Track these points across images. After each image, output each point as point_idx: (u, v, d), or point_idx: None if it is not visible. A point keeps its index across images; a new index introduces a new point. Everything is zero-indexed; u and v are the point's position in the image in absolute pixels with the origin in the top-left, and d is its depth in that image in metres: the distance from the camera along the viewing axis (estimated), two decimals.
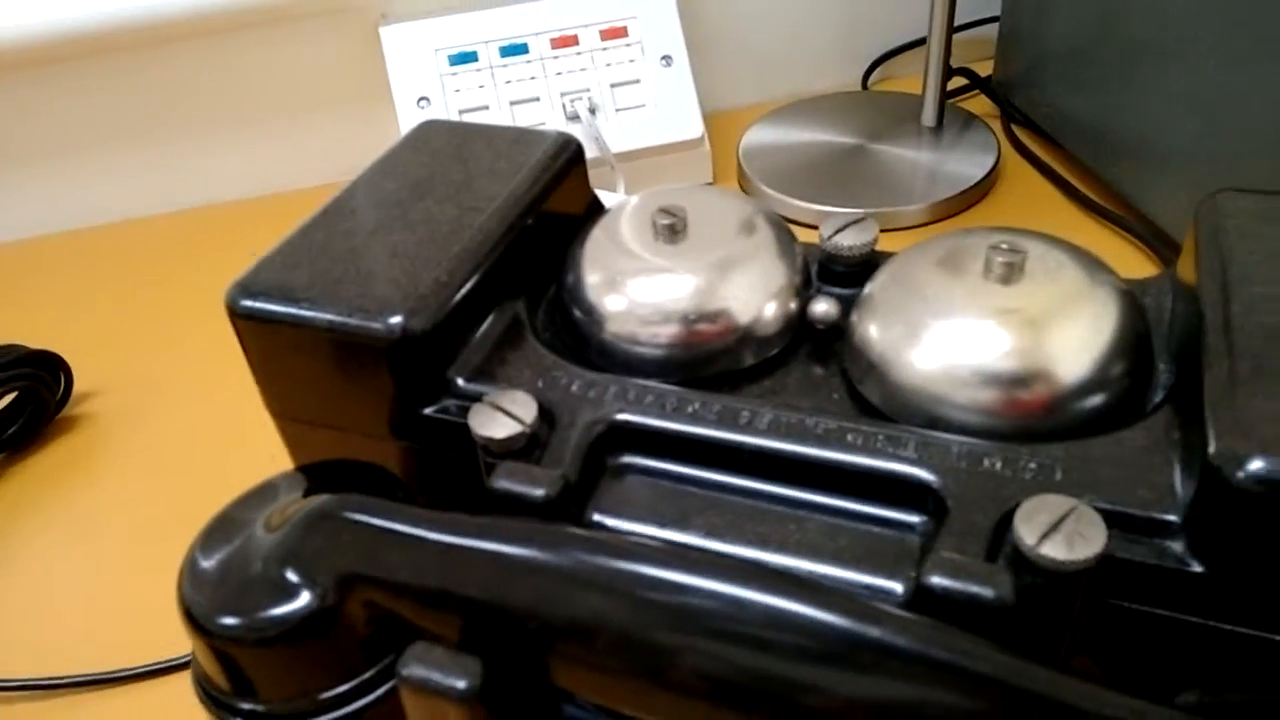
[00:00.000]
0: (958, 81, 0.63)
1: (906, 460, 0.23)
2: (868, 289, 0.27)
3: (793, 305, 0.28)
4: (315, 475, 0.26)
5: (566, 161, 0.33)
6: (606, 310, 0.28)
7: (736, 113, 0.65)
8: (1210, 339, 0.23)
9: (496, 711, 0.21)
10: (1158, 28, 0.47)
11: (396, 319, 0.26)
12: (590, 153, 0.45)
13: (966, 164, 0.56)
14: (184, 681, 0.25)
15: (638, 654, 0.20)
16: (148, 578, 0.38)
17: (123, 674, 0.35)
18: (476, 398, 0.25)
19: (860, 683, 0.18)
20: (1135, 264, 0.49)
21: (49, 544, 0.41)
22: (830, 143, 0.60)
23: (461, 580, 0.21)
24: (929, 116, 0.60)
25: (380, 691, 0.22)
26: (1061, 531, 0.20)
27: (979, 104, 0.64)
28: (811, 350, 0.28)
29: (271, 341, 0.27)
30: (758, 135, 0.62)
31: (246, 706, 0.23)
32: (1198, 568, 0.20)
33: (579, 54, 0.59)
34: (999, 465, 0.22)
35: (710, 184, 0.60)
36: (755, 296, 0.28)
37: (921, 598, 0.20)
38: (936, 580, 0.20)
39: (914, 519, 0.23)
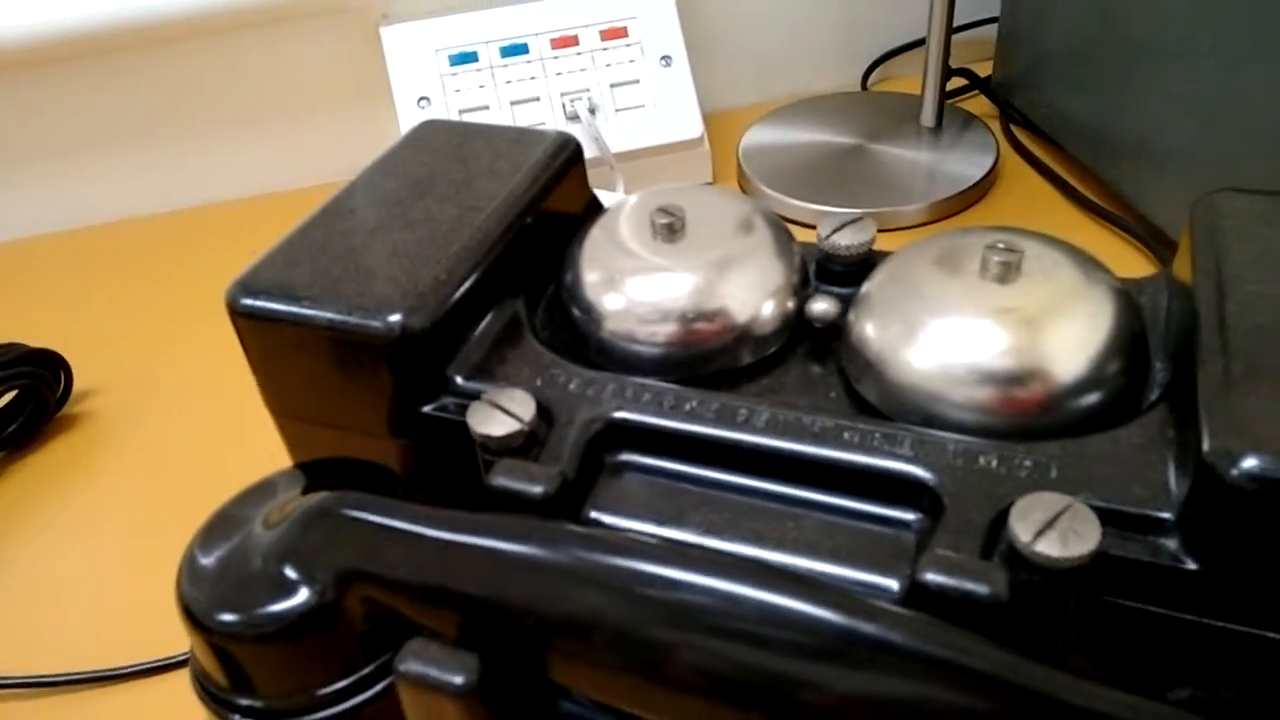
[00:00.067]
0: (957, 82, 0.63)
1: (903, 458, 0.23)
2: (865, 288, 0.27)
3: (790, 304, 0.28)
4: (314, 473, 0.26)
5: (566, 161, 0.33)
6: (605, 309, 0.28)
7: (736, 113, 0.65)
8: (1205, 338, 0.23)
9: (494, 707, 0.21)
10: (1156, 28, 0.47)
11: (396, 317, 0.26)
12: (590, 153, 0.45)
13: (965, 164, 0.57)
14: (183, 679, 0.25)
15: (634, 650, 0.20)
16: (147, 575, 0.38)
17: (122, 671, 0.35)
18: (475, 396, 0.25)
19: (856, 679, 0.19)
20: (1134, 264, 0.49)
21: (49, 542, 0.41)
22: (830, 143, 0.60)
23: (459, 577, 0.21)
24: (928, 117, 0.60)
25: (378, 687, 0.23)
26: (1056, 529, 0.20)
27: (978, 104, 0.64)
28: (809, 349, 0.28)
29: (271, 340, 0.28)
30: (757, 135, 0.62)
31: (245, 703, 0.23)
32: (1192, 565, 0.21)
33: (579, 54, 0.59)
34: (995, 463, 0.23)
35: (710, 184, 0.60)
36: (753, 295, 0.28)
37: (917, 594, 0.20)
38: (932, 577, 0.20)
39: (910, 516, 0.23)
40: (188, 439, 0.46)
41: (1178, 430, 0.23)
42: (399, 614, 0.22)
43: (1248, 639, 0.21)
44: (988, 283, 0.25)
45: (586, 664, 0.21)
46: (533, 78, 0.58)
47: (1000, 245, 0.25)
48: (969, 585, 0.20)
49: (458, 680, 0.20)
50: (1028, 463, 0.22)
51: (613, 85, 0.59)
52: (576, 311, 0.29)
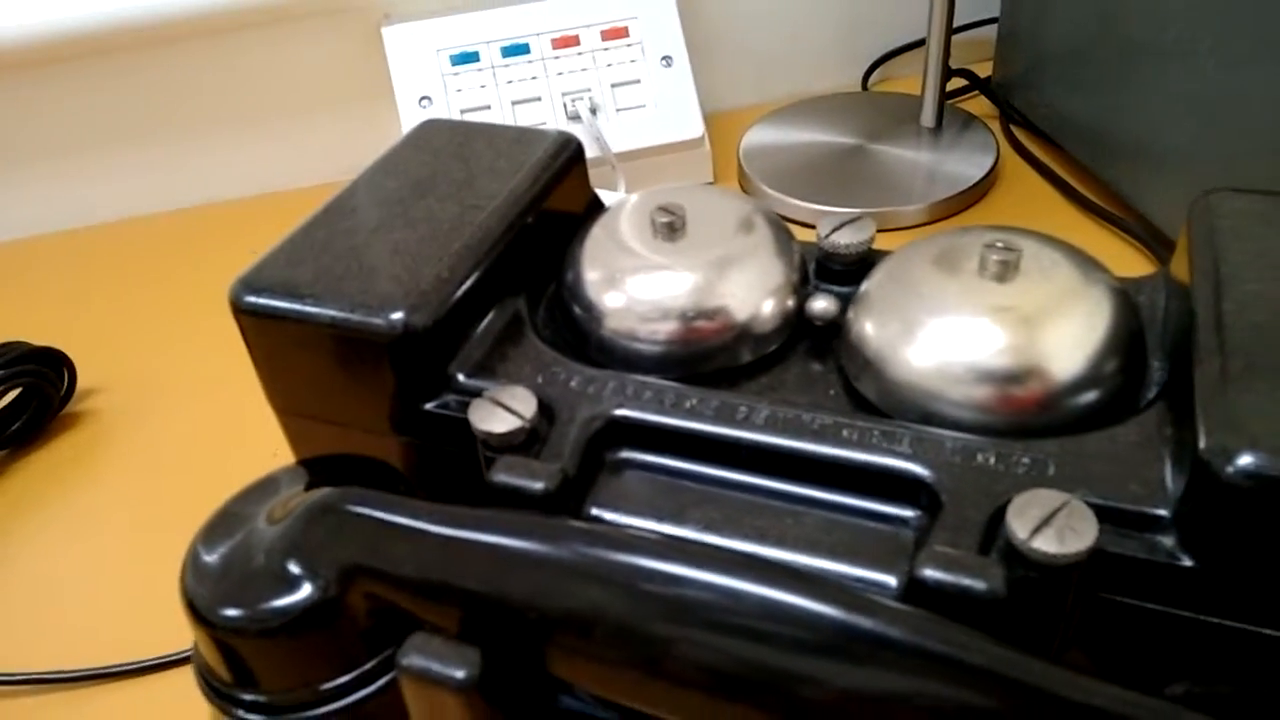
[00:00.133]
0: (957, 82, 0.64)
1: (901, 455, 0.23)
2: (864, 287, 0.28)
3: (790, 303, 0.28)
4: (316, 469, 0.26)
5: (567, 160, 0.33)
6: (606, 307, 0.28)
7: (737, 113, 0.65)
8: (1202, 336, 0.23)
9: (495, 701, 0.21)
10: (1156, 29, 0.47)
11: (398, 315, 0.26)
12: (591, 152, 0.45)
13: (965, 164, 0.57)
14: (186, 675, 0.25)
15: (635, 645, 0.20)
16: (150, 572, 0.38)
17: (125, 668, 0.35)
18: (477, 393, 0.25)
19: (855, 674, 0.19)
20: (1133, 264, 0.49)
21: (52, 539, 0.42)
22: (830, 143, 0.60)
23: (461, 572, 0.21)
24: (928, 117, 0.60)
25: (381, 682, 0.23)
26: (1053, 526, 0.20)
27: (978, 105, 0.64)
28: (809, 347, 0.28)
29: (274, 337, 0.28)
30: (758, 135, 0.62)
31: (248, 697, 0.23)
32: (1188, 562, 0.21)
33: (580, 54, 0.59)
34: (992, 460, 0.23)
35: (710, 184, 0.60)
36: (753, 294, 0.28)
37: (915, 590, 0.20)
38: (929, 573, 0.20)
39: (908, 513, 0.23)
40: (191, 437, 0.46)
41: (1175, 428, 0.23)
42: (401, 609, 0.22)
43: (1243, 635, 0.21)
44: (986, 281, 0.25)
45: (587, 659, 0.21)
46: (534, 77, 0.58)
47: (998, 244, 0.25)
48: (966, 581, 0.20)
49: (459, 675, 0.20)
50: (1025, 460, 0.23)
51: (614, 85, 0.59)
52: (578, 310, 0.29)
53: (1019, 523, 0.20)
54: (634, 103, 0.59)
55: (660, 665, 0.20)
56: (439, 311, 0.27)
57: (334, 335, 0.27)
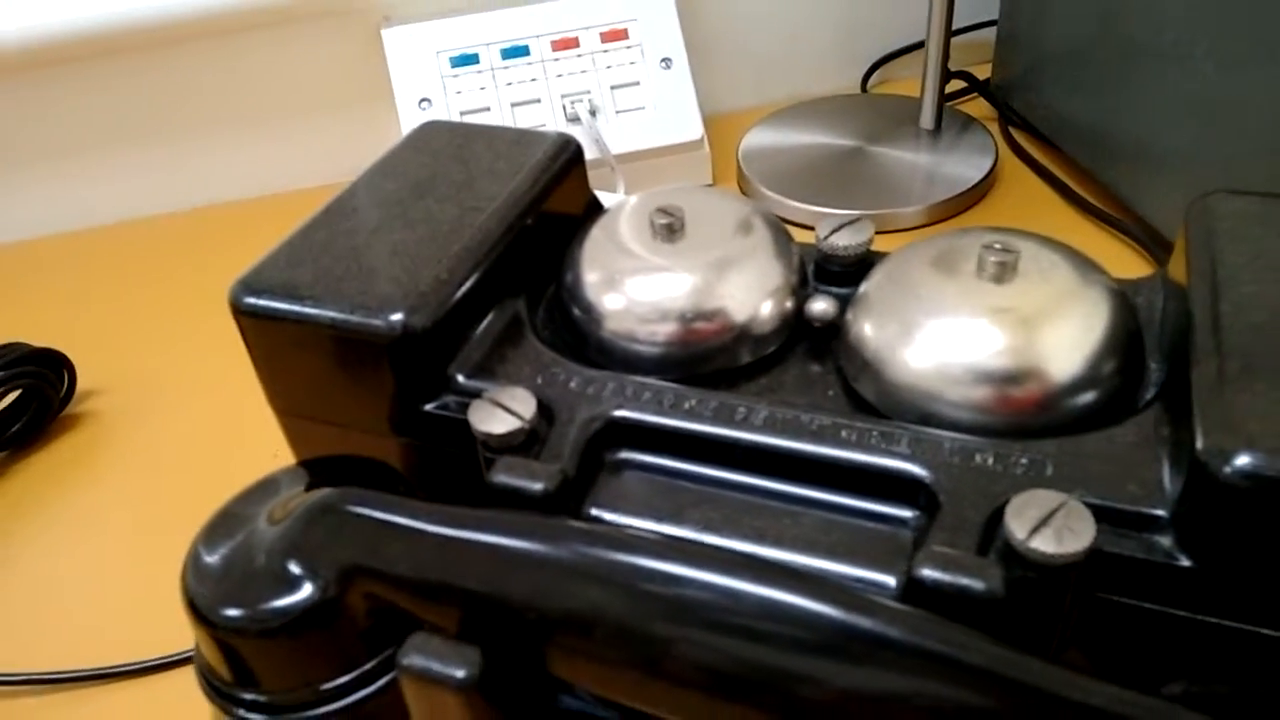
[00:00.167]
0: (956, 84, 0.64)
1: (900, 456, 0.23)
2: (863, 288, 0.28)
3: (789, 304, 0.28)
4: (316, 470, 0.26)
5: (566, 162, 0.33)
6: (605, 308, 0.28)
7: (736, 115, 0.66)
8: (1199, 337, 0.23)
9: (495, 701, 0.21)
10: (1155, 31, 0.47)
11: (398, 316, 0.26)
12: (590, 154, 0.45)
13: (964, 166, 0.57)
14: (187, 676, 0.25)
15: (635, 645, 0.20)
16: (151, 574, 0.38)
17: (127, 669, 0.35)
18: (476, 394, 0.25)
19: (853, 673, 0.19)
20: (1132, 265, 0.50)
21: (53, 540, 0.42)
22: (829, 145, 0.60)
23: (461, 572, 0.21)
24: (927, 119, 0.60)
25: (381, 682, 0.23)
26: (1051, 526, 0.20)
27: (977, 107, 0.65)
28: (807, 348, 0.29)
29: (274, 338, 0.28)
30: (757, 137, 0.62)
31: (249, 697, 0.23)
32: (1186, 562, 0.21)
33: (579, 56, 0.59)
34: (991, 461, 0.23)
35: (710, 185, 0.60)
36: (752, 295, 0.28)
37: (914, 590, 0.20)
38: (927, 573, 0.20)
39: (907, 514, 0.23)
40: (191, 438, 0.46)
41: (1172, 429, 0.23)
42: (401, 609, 0.22)
43: (1241, 635, 0.21)
44: (984, 283, 0.25)
45: (587, 658, 0.21)
46: (533, 79, 0.59)
47: (996, 245, 0.25)
48: (965, 581, 0.20)
49: (460, 674, 0.20)
50: (1024, 461, 0.23)
51: (613, 87, 0.59)
52: (577, 311, 0.29)
53: (1017, 523, 0.20)
54: (633, 105, 0.59)
55: (660, 665, 0.20)
56: (438, 313, 0.27)
57: (334, 336, 0.27)
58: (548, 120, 0.58)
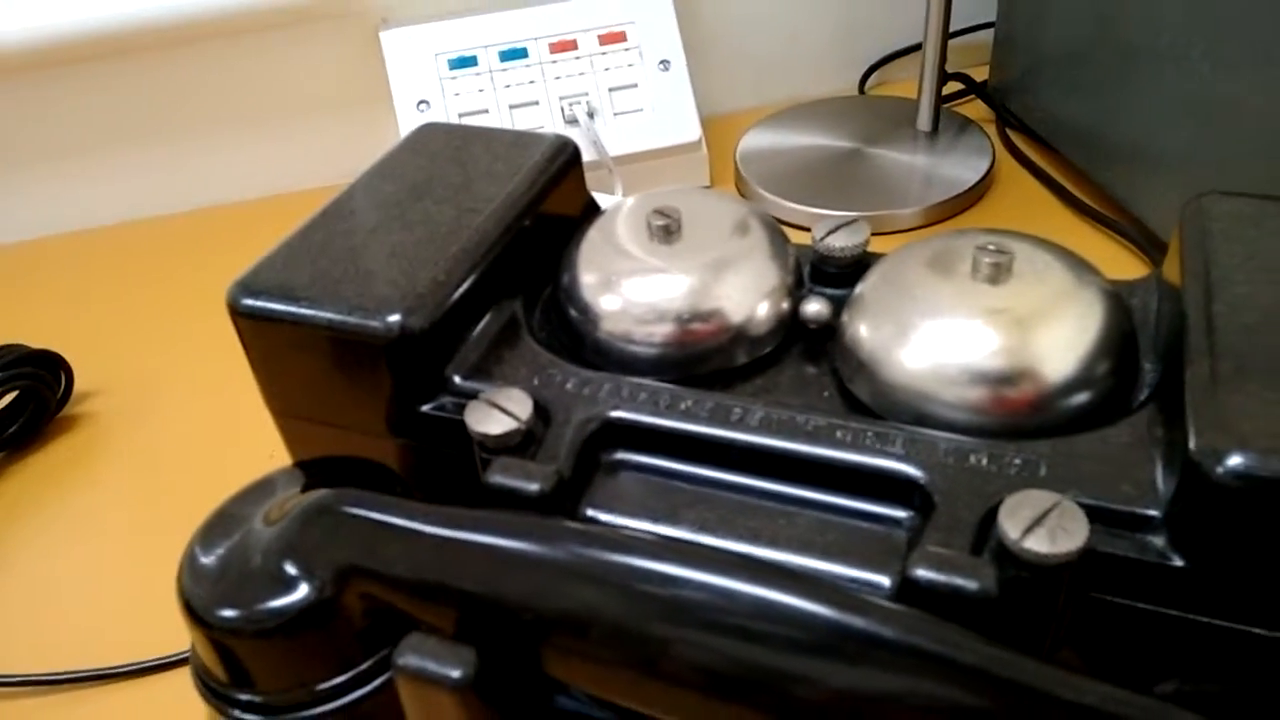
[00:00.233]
0: (953, 86, 0.64)
1: (894, 456, 0.23)
2: (858, 289, 0.28)
3: (785, 305, 0.29)
4: (313, 471, 0.26)
5: (563, 164, 0.33)
6: (601, 309, 0.28)
7: (734, 117, 0.66)
8: (1193, 338, 0.23)
9: (491, 701, 0.21)
10: (1151, 33, 0.47)
11: (395, 318, 0.26)
12: (588, 156, 0.46)
13: (961, 168, 0.57)
14: (183, 677, 0.25)
15: (630, 645, 0.20)
16: (147, 575, 0.38)
17: (123, 670, 0.35)
18: (473, 395, 0.25)
19: (848, 673, 0.19)
20: (1128, 267, 0.50)
21: (50, 542, 0.42)
22: (827, 147, 0.60)
23: (457, 573, 0.22)
24: (924, 121, 0.60)
25: (377, 682, 0.23)
26: (1045, 526, 0.20)
27: (974, 109, 0.65)
28: (803, 349, 0.29)
29: (272, 339, 0.28)
30: (755, 139, 0.62)
31: (245, 697, 0.23)
32: (1179, 562, 0.21)
33: (577, 58, 0.59)
34: (985, 461, 0.23)
35: (707, 187, 0.60)
36: (748, 296, 0.28)
37: (908, 590, 0.20)
38: (922, 573, 0.20)
39: (901, 514, 0.23)
40: (187, 439, 0.46)
41: (1166, 429, 0.23)
42: (397, 609, 0.22)
43: (1233, 634, 0.21)
44: (979, 284, 0.26)
45: (583, 659, 0.21)
46: (532, 81, 0.59)
47: (991, 247, 0.25)
48: (958, 581, 0.20)
49: (455, 674, 0.20)
50: (1017, 461, 0.23)
51: (611, 89, 0.59)
52: (573, 312, 0.29)
53: (1011, 523, 0.20)
54: (631, 106, 0.59)
55: (655, 665, 0.20)
56: (435, 314, 0.27)
57: (331, 338, 0.27)
58: (546, 122, 0.58)
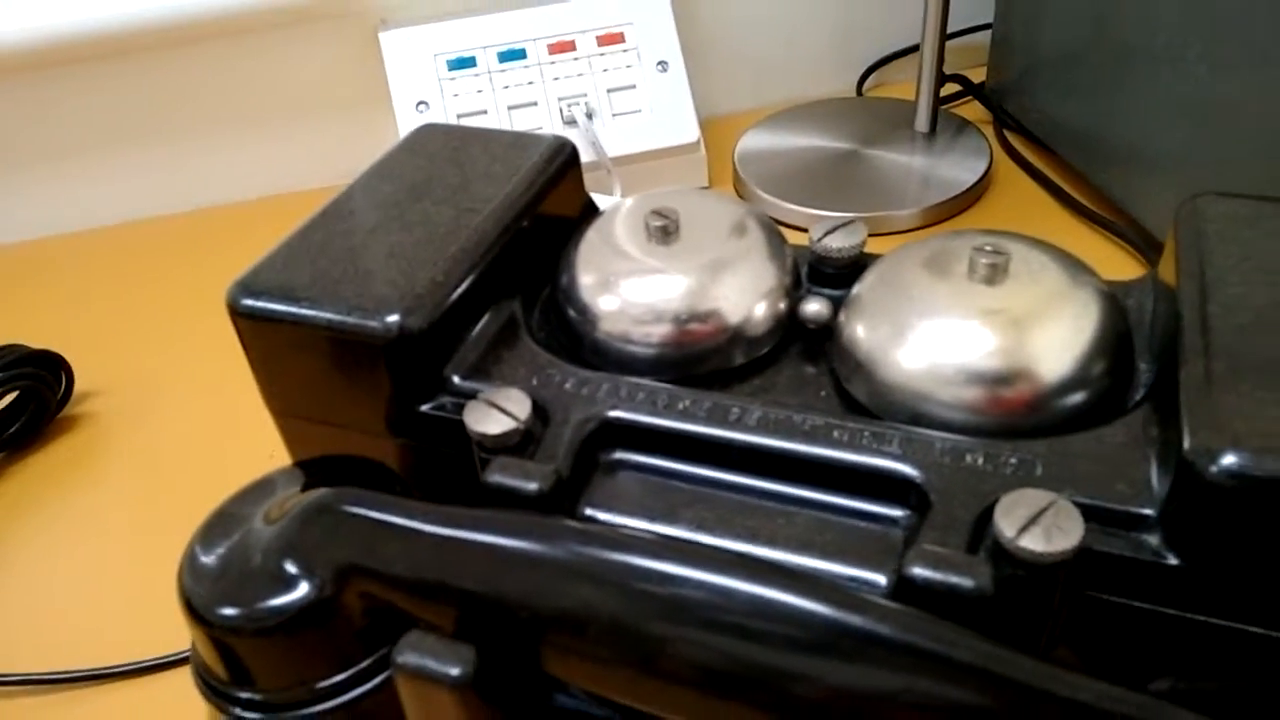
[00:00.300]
0: (951, 88, 0.64)
1: (891, 456, 0.23)
2: (855, 290, 0.28)
3: (782, 306, 0.29)
4: (313, 470, 0.26)
5: (562, 165, 0.33)
6: (600, 310, 0.28)
7: (732, 118, 0.66)
8: (1187, 338, 0.23)
9: (490, 699, 0.21)
10: (1147, 35, 0.47)
11: (394, 318, 0.26)
12: (587, 157, 0.46)
13: (959, 169, 0.57)
14: (183, 676, 0.25)
15: (628, 643, 0.20)
16: (148, 574, 0.38)
17: (124, 669, 0.35)
18: (472, 395, 0.25)
19: (844, 670, 0.19)
20: (1125, 267, 0.50)
21: (50, 541, 0.42)
22: (825, 148, 0.60)
23: (456, 572, 0.22)
24: (922, 122, 0.60)
25: (377, 680, 0.23)
26: (1040, 525, 0.20)
27: (972, 110, 0.65)
28: (801, 350, 0.29)
29: (271, 340, 0.28)
30: (753, 140, 0.62)
31: (245, 695, 0.23)
32: (1173, 560, 0.21)
33: (576, 59, 0.59)
34: (981, 461, 0.23)
35: (705, 188, 0.61)
36: (746, 297, 0.28)
37: (904, 589, 0.21)
38: (918, 571, 0.20)
39: (898, 513, 0.23)
40: (188, 439, 0.46)
41: (1160, 429, 0.23)
42: (397, 608, 0.22)
43: (1227, 632, 0.21)
44: (975, 284, 0.26)
45: (581, 657, 0.21)
46: (530, 82, 0.59)
47: (987, 248, 0.26)
48: (954, 579, 0.20)
49: (454, 672, 0.20)
50: (1013, 460, 0.23)
51: (610, 90, 0.59)
52: (572, 312, 0.29)
53: (1006, 522, 0.20)
54: (630, 108, 0.59)
55: (653, 663, 0.20)
56: (434, 314, 0.27)
57: (330, 338, 0.27)
58: (544, 123, 0.59)
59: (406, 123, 0.58)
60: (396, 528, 0.23)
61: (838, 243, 0.30)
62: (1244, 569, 0.21)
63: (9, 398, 0.45)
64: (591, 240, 0.30)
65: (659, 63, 0.60)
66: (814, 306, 0.28)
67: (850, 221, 0.30)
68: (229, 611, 0.22)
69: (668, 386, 0.26)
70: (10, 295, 0.59)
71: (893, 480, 0.23)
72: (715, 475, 0.25)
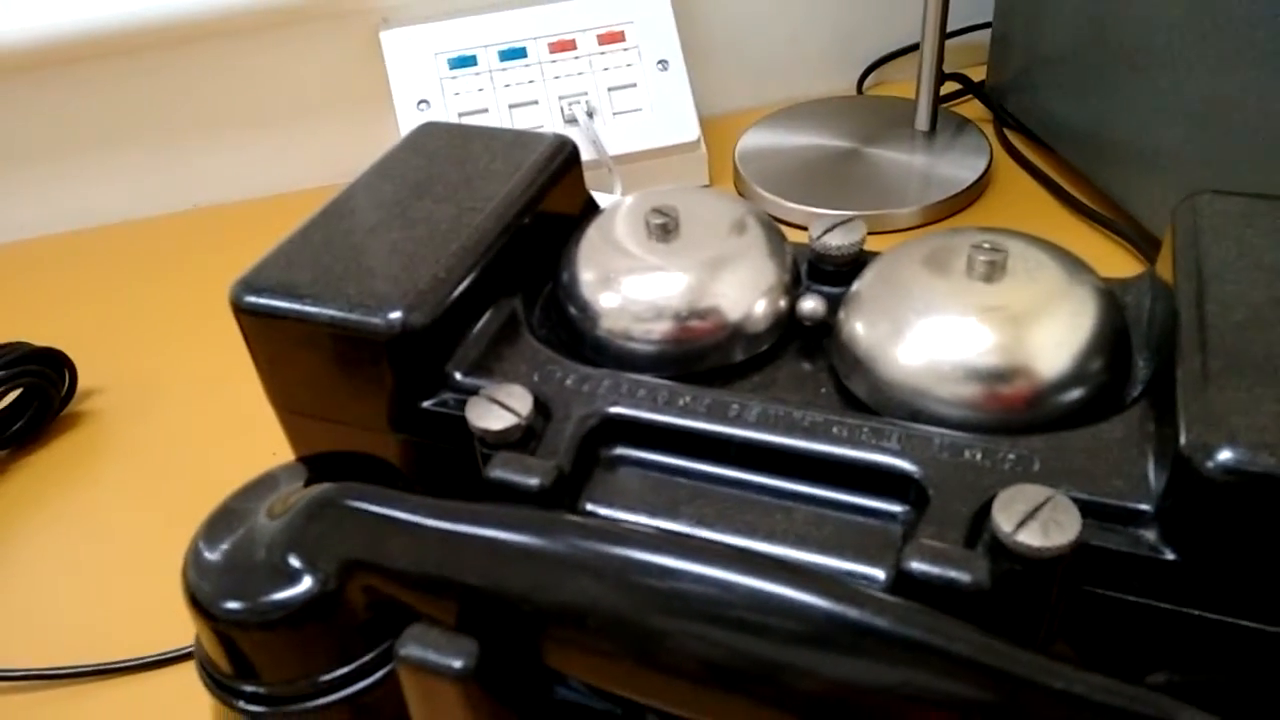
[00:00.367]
0: (951, 86, 0.64)
1: (890, 452, 0.24)
2: (855, 287, 0.28)
3: (782, 303, 0.29)
4: (315, 466, 0.26)
5: (563, 163, 0.33)
6: (600, 307, 0.28)
7: (732, 117, 0.66)
8: (1184, 335, 0.23)
9: (492, 691, 0.21)
10: (1147, 34, 0.47)
11: (396, 314, 0.26)
12: (588, 155, 0.46)
13: (959, 167, 0.57)
14: (187, 671, 0.25)
15: (629, 636, 0.20)
16: (151, 570, 0.39)
17: (128, 664, 0.36)
18: (474, 391, 0.25)
19: (843, 664, 0.19)
20: (1124, 265, 0.50)
21: (54, 538, 0.42)
22: (825, 146, 0.61)
23: (458, 566, 0.22)
24: (922, 121, 0.61)
25: (380, 674, 0.23)
26: (1038, 520, 0.20)
27: (972, 108, 0.65)
28: (800, 347, 0.29)
29: (274, 336, 0.28)
30: (753, 139, 0.62)
31: (249, 689, 0.23)
32: (1170, 555, 0.21)
33: (577, 58, 0.59)
34: (979, 456, 0.23)
35: (706, 186, 0.61)
36: (745, 294, 0.28)
37: (902, 583, 0.21)
38: (916, 565, 0.20)
39: (897, 508, 0.24)
40: (191, 436, 0.46)
41: (1158, 425, 0.23)
42: (400, 602, 0.22)
43: (1223, 627, 0.21)
44: (974, 282, 0.26)
45: (583, 650, 0.21)
46: (531, 81, 0.59)
47: (985, 245, 0.26)
48: (952, 573, 0.20)
49: (457, 664, 0.21)
50: (1011, 456, 0.23)
51: (610, 89, 0.59)
52: (573, 309, 0.29)
53: (1004, 516, 0.20)
54: (630, 106, 0.59)
55: (653, 656, 0.20)
56: (436, 311, 0.27)
57: (333, 334, 0.27)
58: (545, 122, 0.59)
59: (407, 121, 0.58)
60: (399, 522, 0.23)
61: (837, 240, 0.30)
62: (1240, 564, 0.21)
63: (12, 395, 0.45)
64: (592, 238, 0.30)
65: (659, 61, 0.60)
66: (813, 304, 0.28)
67: (850, 219, 0.31)
68: (233, 606, 0.23)
69: (668, 383, 0.26)
70: (13, 293, 0.59)
71: (891, 476, 0.23)
72: (715, 471, 0.25)
